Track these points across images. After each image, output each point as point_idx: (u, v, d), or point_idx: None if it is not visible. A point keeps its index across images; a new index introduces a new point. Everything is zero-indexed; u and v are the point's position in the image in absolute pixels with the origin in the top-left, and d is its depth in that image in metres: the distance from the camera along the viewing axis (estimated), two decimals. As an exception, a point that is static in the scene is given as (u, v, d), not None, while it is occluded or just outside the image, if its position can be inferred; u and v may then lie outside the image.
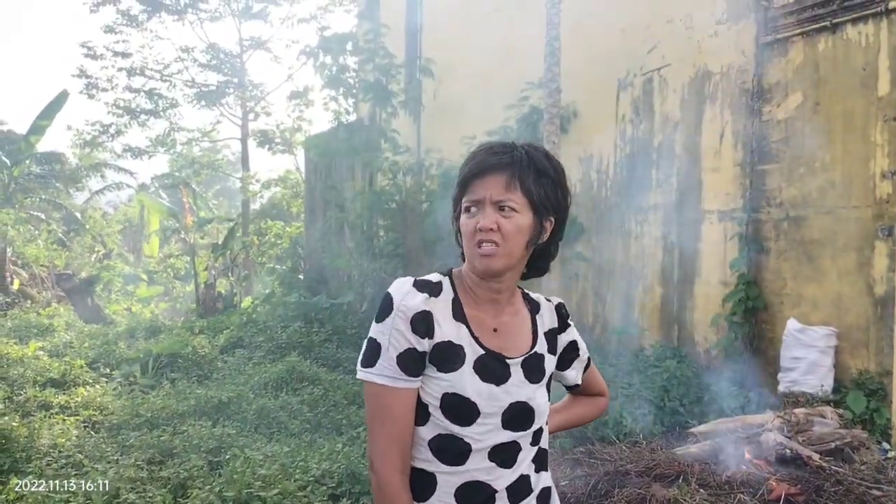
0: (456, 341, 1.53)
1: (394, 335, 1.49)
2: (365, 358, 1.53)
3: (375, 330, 1.52)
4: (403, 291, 1.53)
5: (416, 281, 1.56)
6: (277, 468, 4.51)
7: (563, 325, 1.75)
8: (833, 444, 4.72)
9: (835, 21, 6.26)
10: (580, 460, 4.89)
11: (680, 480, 4.26)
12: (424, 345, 1.50)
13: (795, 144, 6.58)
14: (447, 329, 1.53)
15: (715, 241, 7.31)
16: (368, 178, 12.63)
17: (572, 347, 1.78)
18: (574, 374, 1.82)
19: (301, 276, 14.71)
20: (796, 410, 5.17)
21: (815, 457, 4.47)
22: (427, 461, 1.53)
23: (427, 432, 1.53)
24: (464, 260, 1.63)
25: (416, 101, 11.84)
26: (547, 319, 1.71)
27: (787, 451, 4.51)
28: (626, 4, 8.38)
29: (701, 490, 4.12)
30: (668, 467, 4.42)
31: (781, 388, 6.27)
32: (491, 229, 1.49)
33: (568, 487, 4.35)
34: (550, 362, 1.69)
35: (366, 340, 1.55)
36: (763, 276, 6.83)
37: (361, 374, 1.52)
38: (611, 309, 8.58)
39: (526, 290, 1.75)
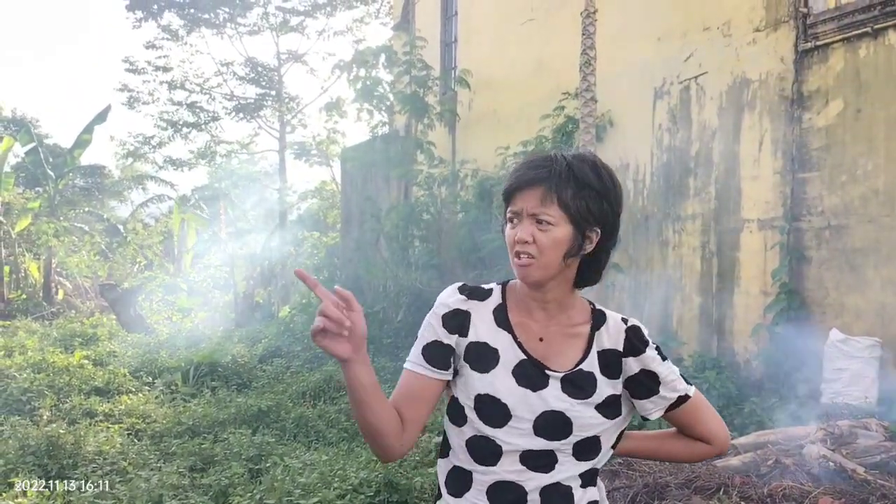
0: (492, 344, 1.60)
1: (426, 328, 1.63)
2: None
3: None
4: (447, 293, 1.66)
5: (462, 285, 1.67)
6: (316, 476, 4.56)
7: (631, 350, 1.61)
8: (878, 457, 4.62)
9: (876, 27, 6.16)
10: (618, 472, 4.84)
11: (721, 493, 4.20)
12: (452, 340, 1.60)
13: (836, 152, 6.48)
14: (484, 332, 1.60)
15: (755, 250, 7.21)
16: (404, 189, 12.72)
17: (649, 378, 1.62)
18: (650, 407, 1.64)
19: (337, 287, 14.81)
20: (840, 422, 5.06)
21: (860, 470, 4.37)
22: (464, 460, 1.61)
23: (464, 433, 1.60)
24: None
25: (452, 112, 11.90)
26: (608, 338, 1.63)
27: (831, 463, 4.42)
28: (662, 12, 8.34)
29: (742, 503, 4.07)
30: (708, 479, 4.35)
31: (824, 399, 6.16)
32: (526, 241, 1.53)
33: (606, 500, 4.31)
34: (606, 384, 1.59)
35: None
36: (804, 285, 6.72)
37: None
38: (648, 319, 8.50)
39: (599, 306, 1.68)
